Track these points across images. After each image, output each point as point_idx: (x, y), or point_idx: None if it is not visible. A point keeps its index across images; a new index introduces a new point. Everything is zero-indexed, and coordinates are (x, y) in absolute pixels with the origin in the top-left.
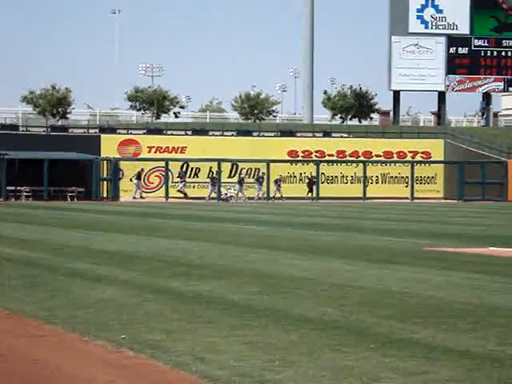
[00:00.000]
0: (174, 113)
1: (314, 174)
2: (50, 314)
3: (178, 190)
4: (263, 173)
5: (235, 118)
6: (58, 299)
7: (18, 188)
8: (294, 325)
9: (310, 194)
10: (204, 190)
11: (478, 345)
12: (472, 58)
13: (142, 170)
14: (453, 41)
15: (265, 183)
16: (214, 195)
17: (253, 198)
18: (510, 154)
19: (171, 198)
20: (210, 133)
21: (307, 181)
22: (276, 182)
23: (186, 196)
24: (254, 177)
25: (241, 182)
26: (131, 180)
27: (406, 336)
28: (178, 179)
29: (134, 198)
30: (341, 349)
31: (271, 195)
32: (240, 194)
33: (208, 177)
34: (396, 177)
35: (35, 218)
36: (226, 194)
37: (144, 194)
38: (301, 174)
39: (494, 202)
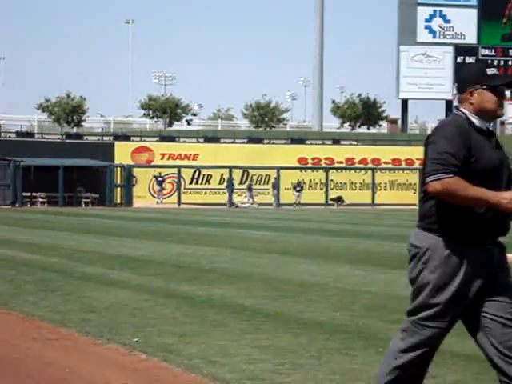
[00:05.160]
0: (187, 120)
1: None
2: (63, 318)
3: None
4: (251, 181)
5: (246, 126)
6: (71, 303)
7: (34, 194)
8: (304, 329)
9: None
10: (216, 196)
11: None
12: None
13: (160, 175)
14: (460, 50)
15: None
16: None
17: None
18: None
19: (183, 204)
20: (222, 140)
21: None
22: (295, 187)
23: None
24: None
25: (250, 188)
26: (159, 185)
27: None
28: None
29: (158, 202)
30: (349, 353)
31: (293, 202)
32: (250, 200)
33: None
34: (404, 184)
35: (50, 223)
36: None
37: (158, 200)
38: (310, 180)
39: None
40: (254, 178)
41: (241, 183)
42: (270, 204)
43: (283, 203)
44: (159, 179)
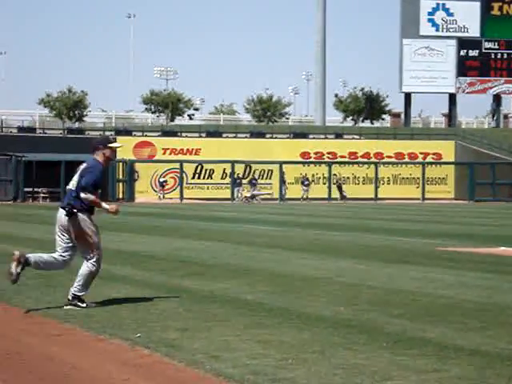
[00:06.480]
0: (189, 115)
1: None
2: (66, 314)
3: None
4: (254, 176)
5: (248, 121)
6: None
7: (36, 189)
8: (307, 323)
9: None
10: (218, 190)
11: (489, 343)
12: (482, 60)
13: (166, 181)
14: (463, 43)
15: (281, 183)
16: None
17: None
18: None
19: (186, 198)
20: (224, 135)
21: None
22: (303, 182)
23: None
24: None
25: (252, 182)
26: (162, 184)
27: (417, 335)
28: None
29: (160, 198)
30: (353, 347)
31: (300, 196)
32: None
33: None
34: (407, 178)
35: (52, 218)
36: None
37: (160, 195)
38: (313, 175)
39: (504, 202)
40: (257, 172)
41: (243, 178)
42: (274, 199)
43: (286, 198)
44: (161, 180)
